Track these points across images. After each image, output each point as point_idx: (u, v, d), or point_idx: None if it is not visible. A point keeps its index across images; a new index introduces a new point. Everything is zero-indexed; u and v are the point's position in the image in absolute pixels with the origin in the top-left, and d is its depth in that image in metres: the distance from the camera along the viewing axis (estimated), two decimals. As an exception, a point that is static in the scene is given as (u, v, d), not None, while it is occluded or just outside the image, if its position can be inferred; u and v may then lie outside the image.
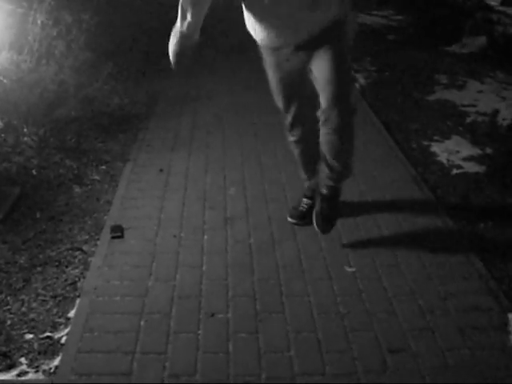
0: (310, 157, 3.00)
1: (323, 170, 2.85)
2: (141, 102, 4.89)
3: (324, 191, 2.90)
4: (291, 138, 3.01)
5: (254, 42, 2.72)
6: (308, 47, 2.58)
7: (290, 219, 3.17)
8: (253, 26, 2.61)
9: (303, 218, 3.14)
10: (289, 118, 2.89)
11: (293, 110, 2.84)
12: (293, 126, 2.92)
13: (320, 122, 2.66)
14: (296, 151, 3.08)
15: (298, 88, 2.78)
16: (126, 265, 2.81)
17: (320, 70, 2.58)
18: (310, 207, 3.10)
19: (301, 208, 3.19)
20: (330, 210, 2.93)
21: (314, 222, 2.95)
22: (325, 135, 2.67)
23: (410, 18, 7.84)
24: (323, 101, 2.59)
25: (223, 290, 2.65)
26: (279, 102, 2.85)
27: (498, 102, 5.05)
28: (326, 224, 2.93)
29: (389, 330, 2.43)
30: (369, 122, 4.59)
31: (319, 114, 2.64)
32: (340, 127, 2.60)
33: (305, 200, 3.20)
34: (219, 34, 6.66)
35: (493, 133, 4.34)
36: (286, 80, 2.75)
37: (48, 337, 2.38)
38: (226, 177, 3.66)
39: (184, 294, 2.62)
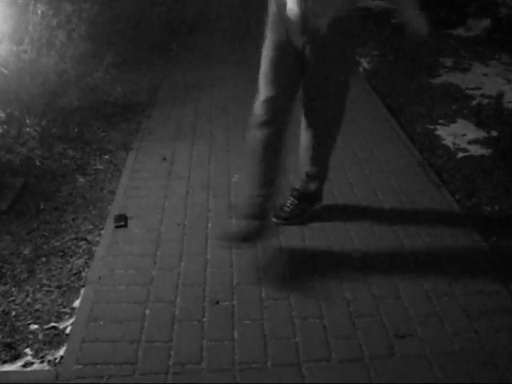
0: (271, 160, 2.73)
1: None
2: (143, 90, 4.86)
3: (296, 189, 3.04)
4: (259, 119, 2.66)
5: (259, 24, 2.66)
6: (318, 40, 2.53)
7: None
8: None
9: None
10: (267, 93, 2.63)
11: (276, 86, 2.62)
12: (268, 101, 2.63)
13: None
14: (257, 144, 2.70)
15: (291, 71, 2.64)
16: (130, 254, 2.80)
17: (317, 70, 2.61)
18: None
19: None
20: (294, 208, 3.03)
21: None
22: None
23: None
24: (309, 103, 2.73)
25: (228, 277, 2.64)
26: (266, 76, 2.63)
27: (504, 84, 5.01)
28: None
29: (395, 315, 2.41)
30: (373, 107, 4.55)
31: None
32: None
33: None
34: (223, 19, 6.64)
35: (498, 115, 4.30)
36: (283, 57, 2.60)
37: (53, 327, 2.38)
38: (229, 164, 3.63)
39: (188, 282, 2.61)
